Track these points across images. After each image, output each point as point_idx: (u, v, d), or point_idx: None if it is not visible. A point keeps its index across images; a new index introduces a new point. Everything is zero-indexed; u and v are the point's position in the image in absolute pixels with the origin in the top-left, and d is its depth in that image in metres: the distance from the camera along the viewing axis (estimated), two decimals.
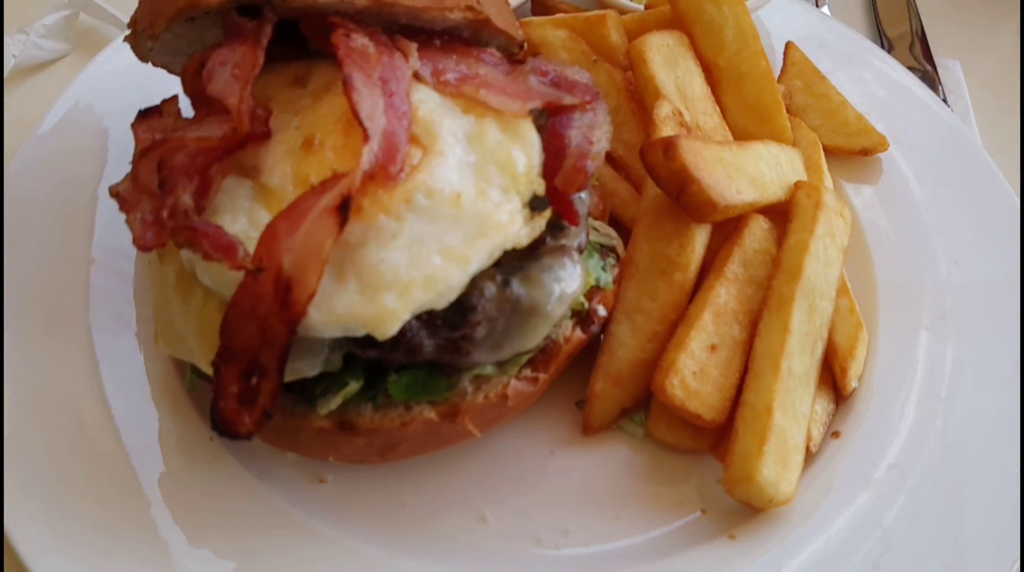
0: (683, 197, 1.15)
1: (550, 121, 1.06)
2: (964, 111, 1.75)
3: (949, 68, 1.82)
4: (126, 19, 1.65)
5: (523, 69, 1.09)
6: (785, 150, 1.31)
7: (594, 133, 1.04)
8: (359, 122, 0.92)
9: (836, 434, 1.19)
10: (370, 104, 0.95)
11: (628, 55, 1.39)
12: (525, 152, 1.02)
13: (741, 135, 1.42)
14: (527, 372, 1.07)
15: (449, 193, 0.96)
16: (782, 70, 1.58)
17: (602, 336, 1.19)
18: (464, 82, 1.05)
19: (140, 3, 1.14)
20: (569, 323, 1.10)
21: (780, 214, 1.27)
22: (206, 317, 0.98)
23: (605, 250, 1.19)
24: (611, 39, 1.43)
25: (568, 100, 1.05)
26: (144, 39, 1.09)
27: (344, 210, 0.89)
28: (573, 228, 1.06)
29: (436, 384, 1.02)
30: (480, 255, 0.94)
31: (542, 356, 1.07)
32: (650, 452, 1.19)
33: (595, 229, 1.18)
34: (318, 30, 1.04)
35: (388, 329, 0.90)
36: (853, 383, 1.21)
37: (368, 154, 0.92)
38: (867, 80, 1.61)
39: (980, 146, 1.49)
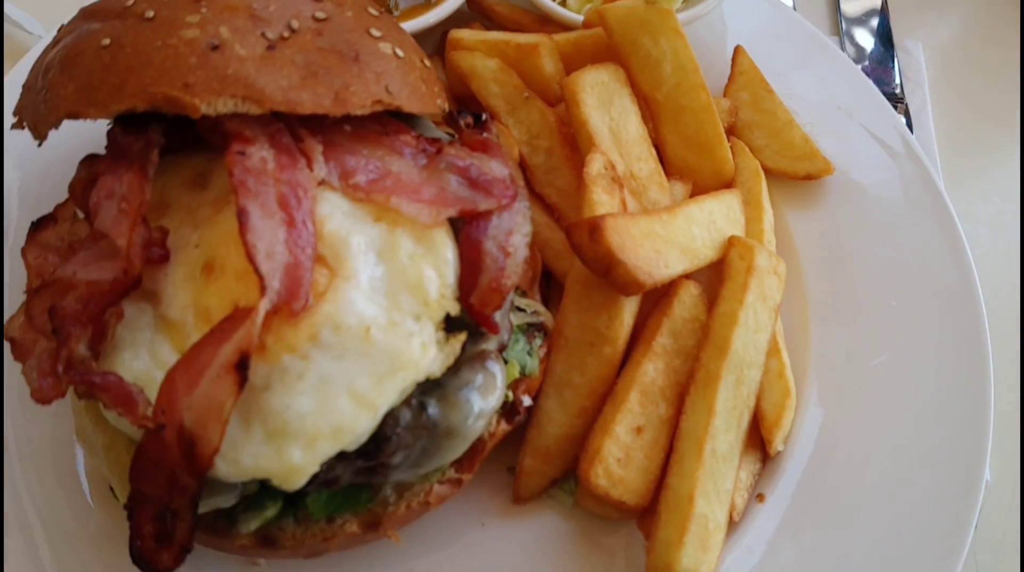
0: (610, 277, 1.12)
1: (465, 227, 1.01)
2: (921, 102, 1.68)
3: (910, 51, 1.73)
4: (36, 25, 1.54)
5: (440, 162, 1.03)
6: (722, 201, 1.27)
7: (511, 240, 1.00)
8: (255, 269, 0.88)
9: (760, 497, 1.22)
10: (269, 240, 0.90)
11: (562, 90, 1.30)
12: (438, 270, 0.98)
13: (681, 167, 1.37)
14: (451, 473, 1.07)
15: (358, 326, 0.93)
16: (729, 78, 1.50)
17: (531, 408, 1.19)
18: (375, 187, 0.99)
19: (22, 95, 1.05)
20: (494, 417, 1.10)
21: (716, 268, 1.24)
22: (115, 457, 0.97)
23: (532, 329, 1.17)
24: (544, 69, 1.34)
25: (484, 205, 1.00)
26: (32, 134, 1.02)
27: (243, 368, 0.86)
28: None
29: (357, 497, 1.02)
30: (390, 396, 0.92)
31: (465, 456, 1.08)
32: (580, 519, 1.21)
33: (521, 309, 1.15)
34: (214, 130, 0.97)
35: (295, 483, 0.90)
36: (779, 446, 1.23)
37: (267, 300, 0.88)
38: (819, 86, 1.53)
39: (932, 175, 1.42)
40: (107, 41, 0.96)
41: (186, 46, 0.94)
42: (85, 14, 1.04)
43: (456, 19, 1.50)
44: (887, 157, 1.45)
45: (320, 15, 1.03)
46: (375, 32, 1.05)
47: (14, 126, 1.05)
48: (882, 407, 1.27)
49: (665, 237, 1.16)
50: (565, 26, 1.46)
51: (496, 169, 1.04)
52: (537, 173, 1.32)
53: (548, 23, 1.48)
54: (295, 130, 1.00)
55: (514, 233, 1.00)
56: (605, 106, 1.29)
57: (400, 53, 1.07)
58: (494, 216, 1.00)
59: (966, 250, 1.34)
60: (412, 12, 1.46)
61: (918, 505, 1.18)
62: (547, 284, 1.31)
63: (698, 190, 1.37)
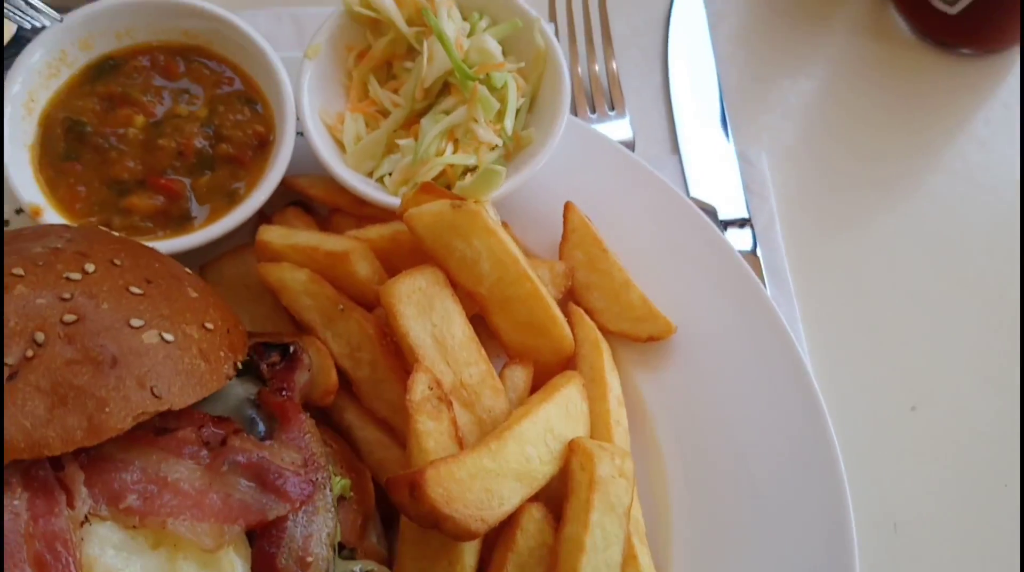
0: (440, 530, 1.05)
1: (257, 541, 0.92)
2: (769, 219, 1.65)
3: (753, 163, 1.70)
4: None
5: (224, 462, 0.93)
6: (558, 402, 1.20)
7: (310, 547, 0.91)
8: None
9: None
10: None
11: (379, 298, 1.22)
12: None
13: (520, 349, 1.31)
14: None
15: None
16: (563, 237, 1.43)
17: None
18: (150, 508, 0.90)
19: None
20: None
21: (560, 475, 1.18)
22: None
23: None
24: (359, 274, 1.26)
25: (275, 512, 0.91)
26: None
27: None
28: None
29: None
30: None
31: None
32: None
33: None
34: None
35: None
36: None
37: None
38: (653, 229, 1.47)
39: (780, 323, 1.38)
40: None
41: None
42: None
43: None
44: (729, 303, 1.41)
45: (69, 318, 0.92)
46: (135, 322, 0.95)
47: None
48: None
49: (496, 470, 1.09)
50: (391, 212, 1.37)
51: (289, 458, 0.95)
52: (364, 387, 1.24)
53: (365, 204, 1.39)
54: (54, 458, 0.89)
55: (312, 538, 0.92)
56: (425, 313, 1.22)
57: (168, 337, 0.97)
58: (288, 521, 0.92)
59: (820, 406, 1.31)
60: (216, 213, 1.36)
61: None
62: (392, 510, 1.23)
63: (539, 369, 1.31)
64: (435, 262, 1.24)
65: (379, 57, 1.47)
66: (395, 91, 1.47)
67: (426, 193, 1.28)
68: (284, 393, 1.05)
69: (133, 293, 0.98)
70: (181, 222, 1.34)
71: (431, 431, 1.13)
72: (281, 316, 1.37)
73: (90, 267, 0.98)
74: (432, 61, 1.38)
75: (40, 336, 0.90)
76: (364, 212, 1.41)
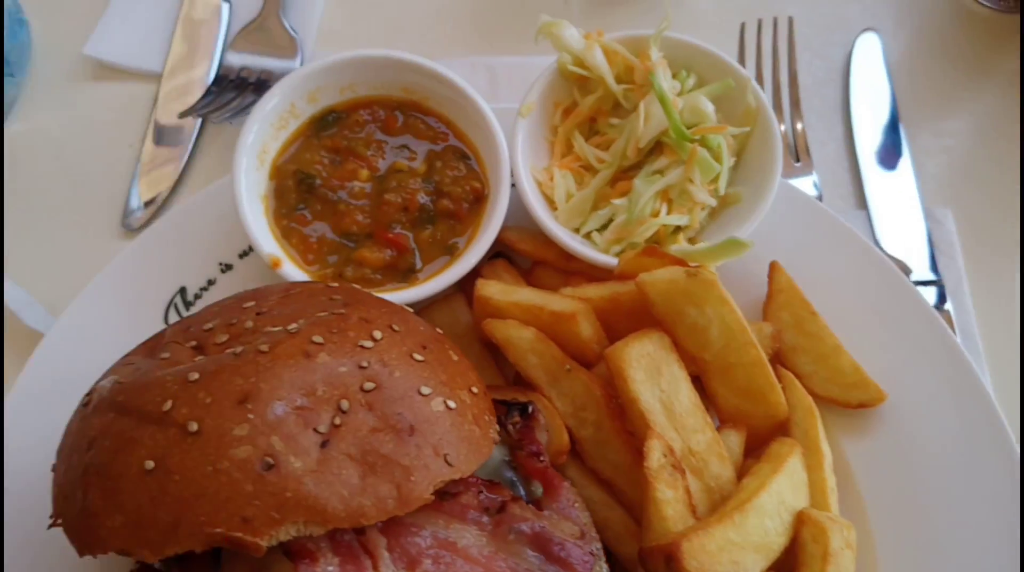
0: None
1: None
2: (957, 280, 1.64)
3: (940, 222, 1.69)
4: (23, 298, 1.47)
5: (507, 529, 0.98)
6: (787, 473, 1.21)
7: None
8: None
9: None
10: None
11: (606, 362, 1.25)
12: None
13: (733, 414, 1.32)
14: None
15: None
16: (768, 296, 1.45)
17: None
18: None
19: (57, 493, 0.99)
20: None
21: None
22: None
23: None
24: (583, 335, 1.29)
25: None
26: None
27: None
28: None
29: None
30: None
31: None
32: None
33: None
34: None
35: None
36: None
37: None
38: (857, 293, 1.47)
39: (980, 383, 1.38)
40: (151, 464, 0.90)
41: (239, 470, 0.88)
42: (115, 404, 0.98)
43: None
44: (935, 373, 1.41)
45: (368, 386, 0.97)
46: (424, 390, 1.00)
47: (51, 526, 0.99)
48: None
49: (740, 543, 1.12)
50: (599, 268, 1.40)
51: (568, 529, 0.99)
52: (587, 446, 1.27)
53: (572, 259, 1.43)
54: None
55: None
56: (654, 378, 1.24)
57: (452, 404, 1.01)
58: None
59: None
60: (438, 267, 1.41)
61: None
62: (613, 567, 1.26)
63: (752, 434, 1.33)
64: (661, 326, 1.27)
65: (586, 114, 1.50)
66: (599, 146, 1.50)
67: (648, 256, 1.31)
68: (541, 459, 1.09)
69: (416, 360, 1.03)
70: (406, 275, 1.39)
71: (669, 500, 1.15)
72: (488, 365, 1.41)
73: (377, 334, 1.03)
74: (649, 121, 1.41)
75: (345, 404, 0.95)
76: (570, 267, 1.44)
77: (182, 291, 1.44)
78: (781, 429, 1.34)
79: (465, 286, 1.42)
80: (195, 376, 0.95)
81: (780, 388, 1.32)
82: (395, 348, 1.03)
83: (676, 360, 1.26)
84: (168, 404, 0.93)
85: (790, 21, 1.83)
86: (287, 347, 0.98)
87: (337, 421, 0.94)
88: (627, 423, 1.26)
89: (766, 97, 1.47)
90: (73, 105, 1.75)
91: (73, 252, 1.60)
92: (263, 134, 1.42)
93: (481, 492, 1.01)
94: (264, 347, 0.98)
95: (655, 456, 1.17)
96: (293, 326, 1.02)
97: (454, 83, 1.47)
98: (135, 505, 0.89)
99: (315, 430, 0.92)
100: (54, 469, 1.04)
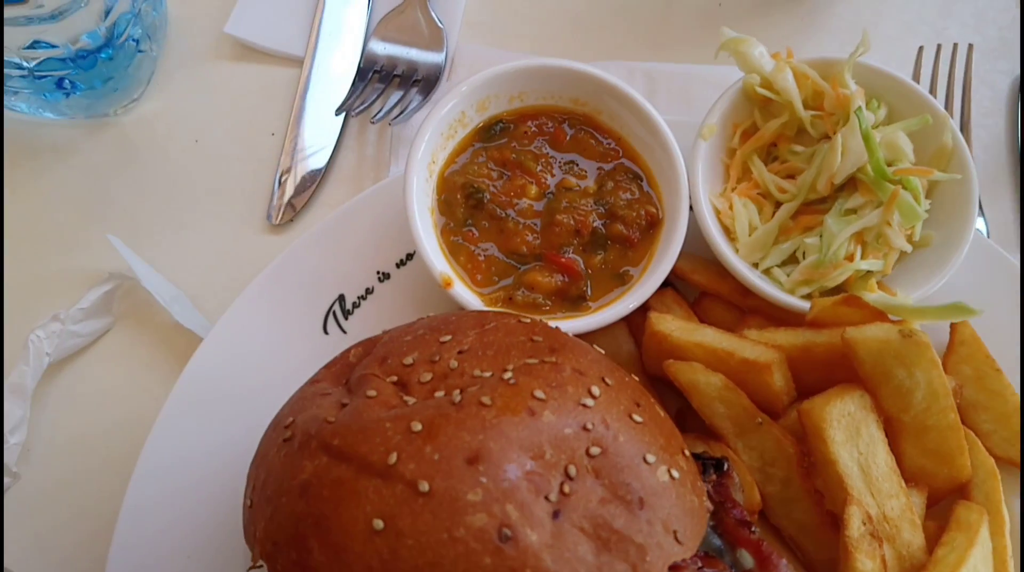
0: None
1: None
2: None
3: None
4: (171, 292, 1.44)
5: None
6: (980, 543, 1.16)
7: None
8: None
9: None
10: None
11: (800, 418, 1.19)
12: None
13: (917, 474, 1.26)
14: None
15: None
16: (948, 348, 1.37)
17: None
18: None
19: (260, 528, 0.95)
20: None
21: None
22: None
23: None
24: (775, 386, 1.23)
25: None
26: None
27: None
28: None
29: None
30: None
31: None
32: None
33: None
34: None
35: None
36: None
37: None
38: None
39: None
40: (380, 524, 0.85)
41: (476, 540, 0.83)
42: (329, 447, 0.93)
43: None
44: None
45: (595, 451, 0.92)
46: (649, 458, 0.94)
47: (252, 569, 0.95)
48: None
49: None
50: (779, 307, 1.33)
51: None
52: (772, 503, 1.21)
53: (750, 295, 1.36)
54: None
55: None
56: (852, 439, 1.18)
57: (675, 474, 0.96)
58: None
59: None
60: (608, 296, 1.34)
61: None
62: None
63: (932, 494, 1.27)
64: (863, 384, 1.20)
65: (768, 138, 1.42)
66: (779, 174, 1.41)
67: (848, 305, 1.24)
68: (753, 530, 1.03)
69: (636, 421, 0.97)
70: (577, 302, 1.33)
71: (868, 570, 1.10)
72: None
73: (595, 390, 0.97)
74: (846, 155, 1.32)
75: (572, 469, 0.90)
76: (746, 304, 1.37)
77: (340, 299, 1.39)
78: (960, 490, 1.28)
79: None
80: (418, 426, 0.90)
81: (967, 451, 1.26)
82: (614, 407, 0.97)
83: (876, 421, 1.20)
84: (393, 457, 0.88)
85: (969, 49, 1.71)
86: (510, 401, 0.92)
87: (566, 489, 0.89)
88: (817, 482, 1.20)
89: (962, 138, 1.38)
90: (211, 86, 1.68)
91: (216, 244, 1.55)
92: (433, 143, 1.35)
93: (700, 568, 0.95)
94: (486, 400, 0.92)
95: (855, 524, 1.12)
96: (507, 375, 0.96)
97: (630, 96, 1.38)
98: (364, 567, 0.84)
99: (546, 498, 0.87)
100: (249, 502, 1.00)
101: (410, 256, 1.43)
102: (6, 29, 1.36)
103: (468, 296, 1.29)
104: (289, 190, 1.57)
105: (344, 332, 1.38)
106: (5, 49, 1.39)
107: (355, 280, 1.41)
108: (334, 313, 1.39)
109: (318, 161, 1.60)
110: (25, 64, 1.44)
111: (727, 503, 1.08)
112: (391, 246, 1.42)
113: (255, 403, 1.15)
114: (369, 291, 1.41)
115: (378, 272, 1.42)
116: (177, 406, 1.29)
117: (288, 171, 1.59)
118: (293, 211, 1.56)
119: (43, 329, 1.40)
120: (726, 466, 1.13)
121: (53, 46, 1.42)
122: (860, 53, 1.39)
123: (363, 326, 1.38)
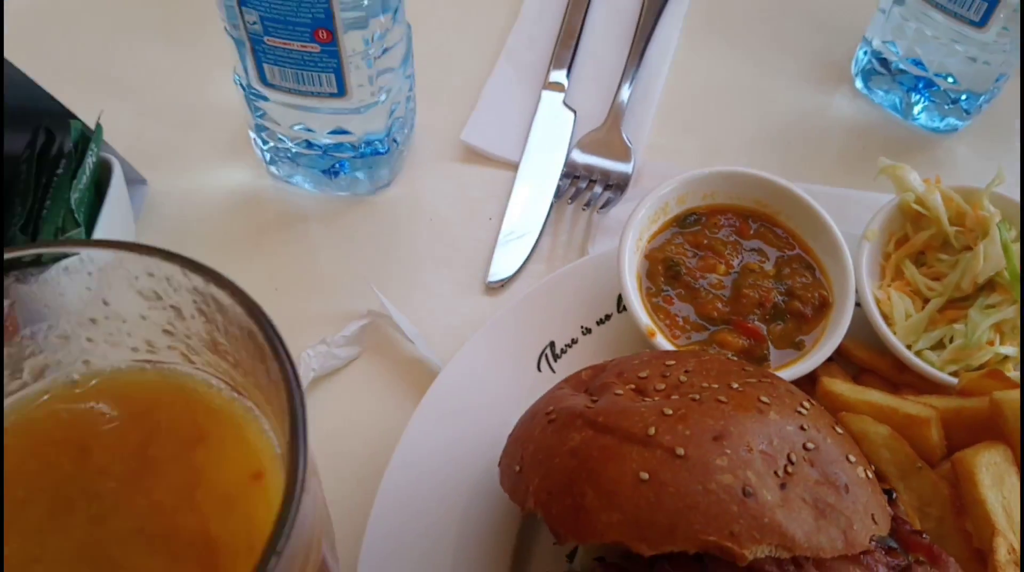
0: None
1: None
2: None
3: None
4: (413, 331, 1.74)
5: None
6: None
7: None
8: None
9: None
10: None
11: (954, 466, 1.41)
12: None
13: None
14: None
15: None
16: None
17: None
18: None
19: (532, 481, 1.21)
20: None
21: None
22: None
23: None
24: (932, 440, 1.46)
25: None
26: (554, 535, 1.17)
27: None
28: None
29: None
30: None
31: None
32: None
33: None
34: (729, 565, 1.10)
35: None
36: None
37: None
38: None
39: None
40: (645, 475, 1.11)
41: (724, 492, 1.08)
42: (594, 423, 1.20)
43: None
44: None
45: (810, 445, 1.17)
46: (851, 458, 1.19)
47: (526, 513, 1.21)
48: None
49: None
50: (930, 382, 1.57)
51: None
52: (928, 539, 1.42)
53: (905, 371, 1.60)
54: (796, 558, 1.12)
55: None
56: (998, 484, 1.39)
57: (870, 475, 1.19)
58: None
59: None
60: (785, 360, 1.61)
61: None
62: None
63: None
64: (1005, 440, 1.42)
65: (918, 247, 1.71)
66: (926, 277, 1.69)
67: (992, 378, 1.48)
68: (924, 536, 1.24)
69: (838, 432, 1.22)
70: (759, 362, 1.60)
71: None
72: None
73: (806, 404, 1.23)
74: (987, 261, 1.60)
75: (793, 457, 1.15)
76: (900, 379, 1.62)
77: (551, 345, 1.69)
78: None
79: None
80: (669, 411, 1.17)
81: None
82: (822, 418, 1.22)
83: (1016, 472, 1.41)
84: (652, 429, 1.15)
85: None
86: (741, 402, 1.19)
87: (789, 470, 1.13)
88: (967, 523, 1.40)
89: None
90: (446, 180, 2.08)
91: (442, 301, 1.88)
92: (641, 225, 1.69)
93: (886, 550, 1.17)
94: (723, 398, 1.19)
95: (1002, 552, 1.31)
96: (735, 385, 1.23)
97: (807, 203, 1.71)
98: (633, 507, 1.09)
99: (775, 473, 1.12)
100: (518, 467, 1.26)
101: (608, 316, 1.73)
102: (321, 116, 1.78)
103: (668, 346, 1.58)
104: (503, 261, 1.92)
105: (554, 371, 1.67)
106: (315, 132, 1.82)
107: (563, 331, 1.71)
108: (546, 355, 1.68)
109: (527, 242, 1.95)
110: (320, 144, 1.86)
111: (898, 518, 1.29)
112: (592, 307, 1.73)
113: (484, 419, 1.49)
114: (574, 341, 1.71)
115: (582, 326, 1.72)
116: (425, 414, 1.58)
117: (502, 246, 1.94)
118: (507, 279, 1.89)
119: (312, 349, 1.74)
120: (894, 495, 1.35)
121: (349, 132, 1.84)
122: (996, 183, 1.69)
123: (571, 368, 1.65)
